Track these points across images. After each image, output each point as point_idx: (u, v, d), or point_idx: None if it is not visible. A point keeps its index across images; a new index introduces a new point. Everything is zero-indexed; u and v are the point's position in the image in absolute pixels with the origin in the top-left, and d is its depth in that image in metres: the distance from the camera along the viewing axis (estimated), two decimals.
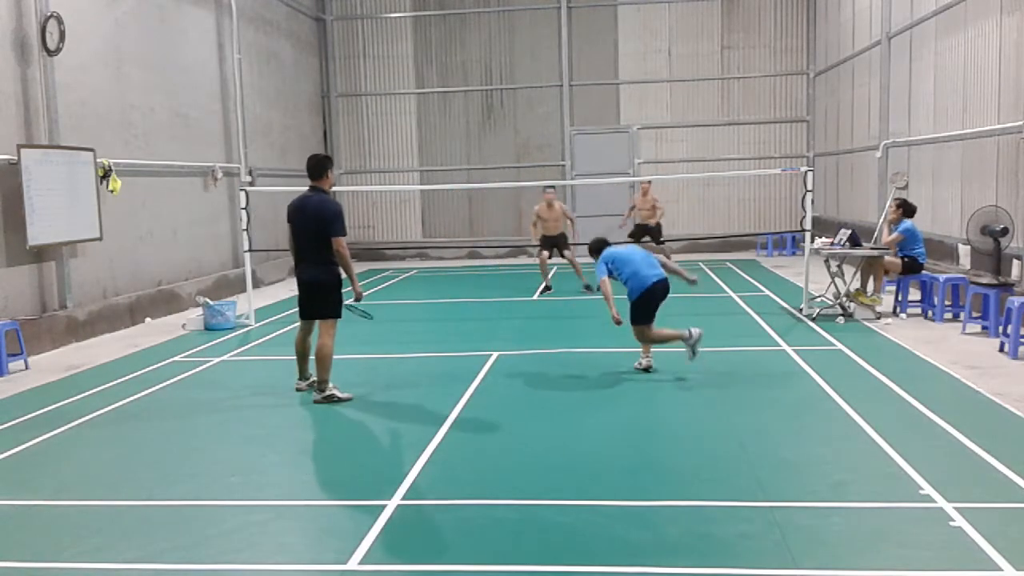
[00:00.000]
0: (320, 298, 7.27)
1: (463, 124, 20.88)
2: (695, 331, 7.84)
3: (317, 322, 7.40)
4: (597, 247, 8.16)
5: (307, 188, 7.40)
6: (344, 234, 7.19)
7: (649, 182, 15.41)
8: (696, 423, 6.41)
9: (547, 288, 13.78)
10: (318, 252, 7.19)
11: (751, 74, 20.05)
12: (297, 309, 7.57)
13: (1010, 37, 10.10)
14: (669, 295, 7.84)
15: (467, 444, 6.09)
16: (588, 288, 13.46)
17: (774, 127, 20.19)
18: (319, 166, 7.37)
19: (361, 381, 8.04)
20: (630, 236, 15.06)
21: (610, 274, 7.84)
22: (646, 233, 15.15)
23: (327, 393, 7.24)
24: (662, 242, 15.06)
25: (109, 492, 5.37)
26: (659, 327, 7.89)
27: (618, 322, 7.72)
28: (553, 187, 13.86)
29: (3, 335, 8.90)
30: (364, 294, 7.63)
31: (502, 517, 4.75)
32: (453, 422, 6.58)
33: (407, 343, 9.91)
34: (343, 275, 7.30)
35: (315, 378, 7.39)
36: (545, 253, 13.82)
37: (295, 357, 7.74)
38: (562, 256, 13.90)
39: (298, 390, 7.67)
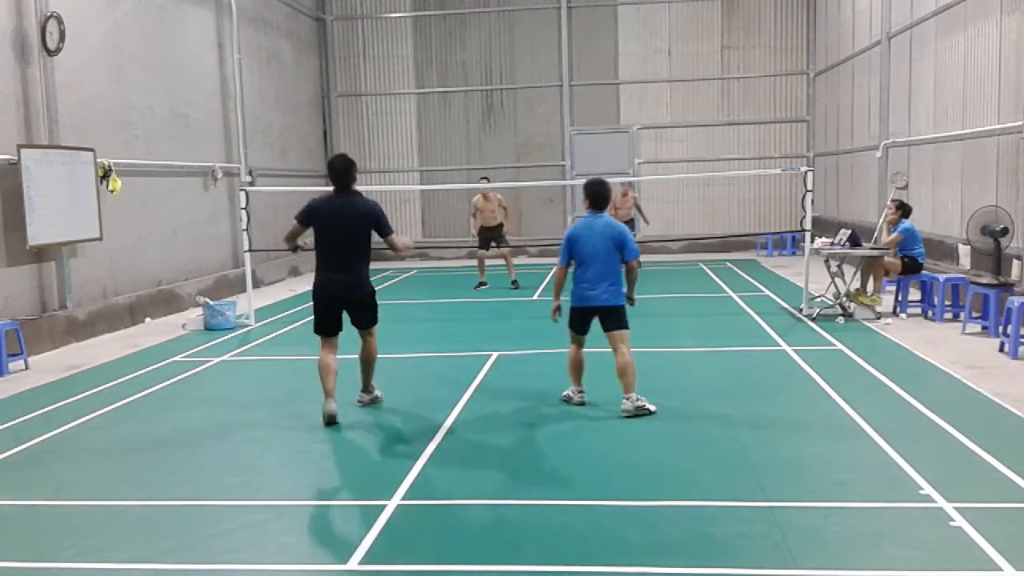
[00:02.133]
0: (369, 308, 6.90)
1: (463, 124, 20.88)
2: (579, 396, 6.96)
3: (348, 331, 6.97)
4: (591, 194, 6.82)
5: (333, 192, 6.73)
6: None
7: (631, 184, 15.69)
8: (696, 423, 6.40)
9: (483, 284, 14.42)
10: (360, 256, 6.68)
11: (751, 74, 20.04)
12: (316, 323, 6.81)
13: (1010, 37, 10.10)
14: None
15: (467, 444, 6.09)
16: (515, 284, 14.18)
17: (774, 127, 20.18)
18: (350, 172, 6.66)
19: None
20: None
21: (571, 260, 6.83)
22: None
23: (374, 394, 7.22)
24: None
25: (109, 492, 5.37)
26: (581, 351, 6.96)
27: (554, 318, 6.99)
28: (487, 178, 14.76)
29: (3, 335, 8.90)
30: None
31: (502, 517, 4.75)
32: (453, 422, 6.58)
33: (407, 343, 9.90)
34: None
35: (374, 389, 7.22)
36: (483, 252, 14.46)
37: (324, 381, 6.68)
38: (498, 248, 14.38)
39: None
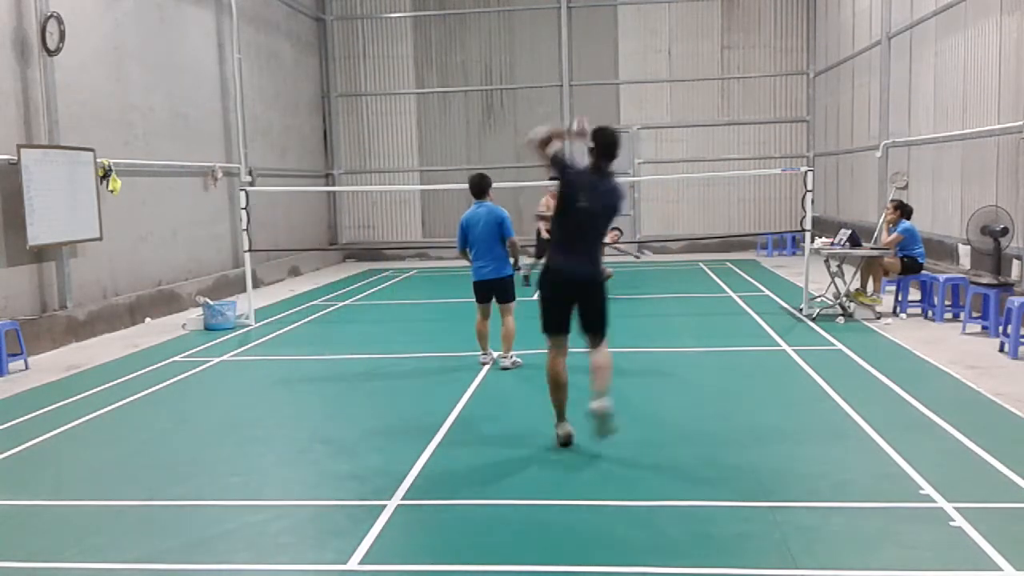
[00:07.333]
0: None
1: (463, 124, 20.88)
2: (485, 358, 8.46)
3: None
4: (471, 184, 8.31)
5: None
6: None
7: None
8: (696, 423, 6.40)
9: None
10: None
11: (751, 74, 20.04)
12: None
13: (1010, 37, 10.10)
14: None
15: (467, 444, 6.09)
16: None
17: (774, 127, 20.19)
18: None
19: (362, 381, 8.04)
20: None
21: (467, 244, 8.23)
22: None
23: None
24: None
25: (109, 492, 5.37)
26: (486, 321, 8.38)
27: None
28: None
29: (3, 335, 8.89)
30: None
31: (502, 517, 4.75)
32: (453, 422, 6.58)
33: (407, 343, 9.90)
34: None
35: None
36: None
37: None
38: None
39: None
